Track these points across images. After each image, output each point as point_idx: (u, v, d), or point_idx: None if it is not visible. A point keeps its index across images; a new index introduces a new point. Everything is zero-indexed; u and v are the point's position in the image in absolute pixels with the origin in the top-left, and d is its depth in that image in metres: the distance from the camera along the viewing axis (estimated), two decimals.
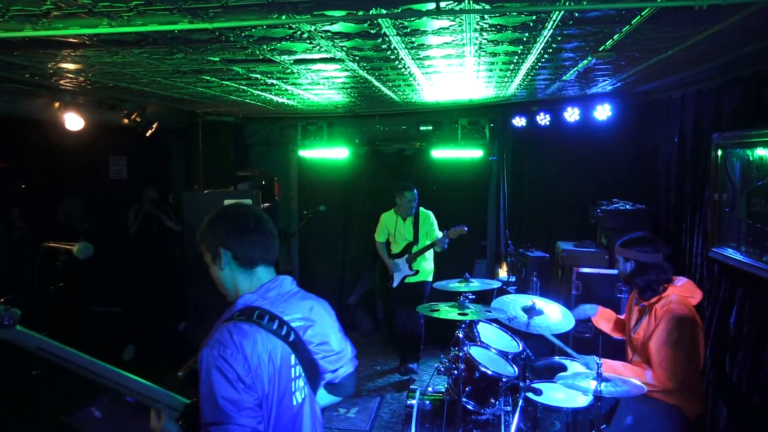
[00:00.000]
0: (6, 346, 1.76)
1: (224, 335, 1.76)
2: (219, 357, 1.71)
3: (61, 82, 4.18)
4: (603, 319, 3.85)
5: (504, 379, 3.63)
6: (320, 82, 4.34)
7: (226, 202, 6.02)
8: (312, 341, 1.96)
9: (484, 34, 2.83)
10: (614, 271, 5.14)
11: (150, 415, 1.87)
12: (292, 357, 1.88)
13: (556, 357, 4.04)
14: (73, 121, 4.99)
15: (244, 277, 1.95)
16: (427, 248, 6.05)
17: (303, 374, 1.92)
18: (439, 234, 6.02)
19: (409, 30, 2.71)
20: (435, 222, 6.17)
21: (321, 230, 7.51)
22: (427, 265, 6.21)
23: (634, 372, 3.23)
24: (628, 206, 5.40)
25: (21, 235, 6.99)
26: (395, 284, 6.19)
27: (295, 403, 1.89)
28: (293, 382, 1.89)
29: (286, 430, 1.87)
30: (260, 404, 1.78)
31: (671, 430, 3.23)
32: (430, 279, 6.18)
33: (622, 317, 3.79)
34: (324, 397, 2.16)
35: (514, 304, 4.12)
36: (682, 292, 3.32)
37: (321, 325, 2.01)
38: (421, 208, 6.14)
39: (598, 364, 3.11)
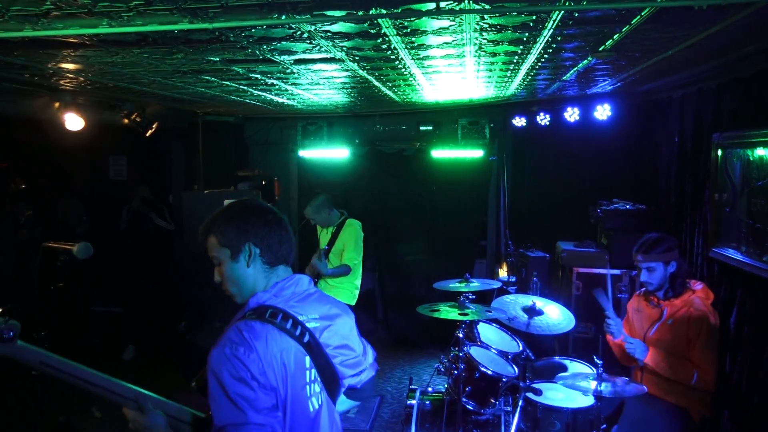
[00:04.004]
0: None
1: (235, 334, 1.66)
2: (232, 356, 1.61)
3: (61, 82, 4.18)
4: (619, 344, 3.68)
5: (504, 379, 3.63)
6: (320, 82, 4.34)
7: (226, 202, 6.05)
8: (329, 344, 1.84)
9: (484, 34, 2.83)
10: (615, 271, 5.15)
11: (126, 411, 1.71)
12: (307, 359, 1.75)
13: (556, 357, 4.04)
14: (73, 121, 4.99)
15: (264, 276, 1.82)
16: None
17: (318, 379, 1.78)
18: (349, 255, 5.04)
19: (409, 30, 2.70)
20: (354, 236, 5.09)
21: None
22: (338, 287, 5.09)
23: (679, 371, 3.23)
24: (628, 206, 5.40)
25: (28, 235, 6.99)
26: None
27: (311, 409, 1.75)
28: (308, 387, 1.75)
29: None
30: (277, 406, 1.65)
31: None
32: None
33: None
34: (342, 402, 2.02)
35: (514, 304, 4.13)
36: (703, 295, 3.34)
37: (340, 327, 1.89)
38: (350, 219, 5.24)
39: (599, 363, 3.11)
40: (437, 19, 2.49)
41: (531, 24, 2.63)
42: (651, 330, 3.39)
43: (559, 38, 2.96)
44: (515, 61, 3.61)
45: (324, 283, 5.13)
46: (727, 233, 3.87)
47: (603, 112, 5.80)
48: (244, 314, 1.75)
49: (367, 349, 2.07)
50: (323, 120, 7.25)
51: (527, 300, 4.13)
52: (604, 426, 3.36)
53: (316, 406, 1.77)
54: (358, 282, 5.20)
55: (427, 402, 3.92)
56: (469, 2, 2.23)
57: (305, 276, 1.90)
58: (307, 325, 1.77)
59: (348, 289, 5.13)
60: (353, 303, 5.11)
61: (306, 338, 1.75)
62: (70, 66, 3.53)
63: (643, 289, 3.52)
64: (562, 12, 2.42)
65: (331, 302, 1.93)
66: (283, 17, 2.36)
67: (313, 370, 1.77)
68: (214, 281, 1.86)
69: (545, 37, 2.91)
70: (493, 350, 3.97)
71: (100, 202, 7.70)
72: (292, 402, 1.69)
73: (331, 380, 1.83)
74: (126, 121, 5.53)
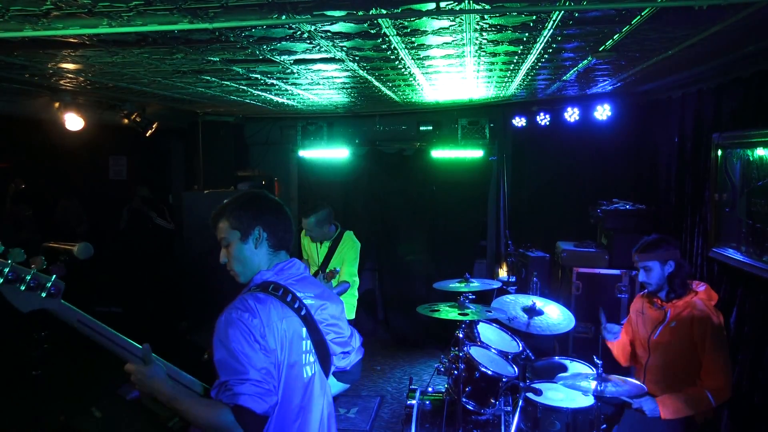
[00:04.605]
0: (5, 345, 1.76)
1: (241, 302, 1.85)
2: (237, 319, 1.79)
3: (61, 82, 4.18)
4: (619, 346, 3.69)
5: (504, 379, 3.63)
6: (320, 82, 4.34)
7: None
8: (322, 320, 2.06)
9: (484, 34, 2.83)
10: (615, 271, 5.15)
11: (128, 366, 1.85)
12: (303, 330, 1.95)
13: (556, 357, 4.04)
14: (73, 121, 4.99)
15: (267, 258, 2.03)
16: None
17: (313, 350, 1.99)
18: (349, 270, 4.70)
19: (409, 30, 2.70)
20: (354, 252, 4.80)
21: None
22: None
23: (697, 404, 3.14)
24: (628, 206, 5.40)
25: (29, 236, 6.98)
26: None
27: (305, 375, 1.95)
28: (304, 355, 1.95)
29: (295, 401, 1.91)
30: (275, 368, 1.83)
31: None
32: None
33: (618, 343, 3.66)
34: (334, 386, 2.22)
35: (514, 304, 4.13)
36: (705, 296, 3.31)
37: (331, 308, 2.12)
38: (347, 232, 4.87)
39: (599, 363, 3.11)
40: (437, 19, 2.49)
41: (531, 24, 2.63)
42: (655, 333, 3.37)
43: (559, 38, 2.96)
44: (515, 61, 3.61)
45: None
46: (727, 233, 3.87)
47: (603, 112, 5.80)
48: (249, 289, 1.96)
49: (354, 333, 2.29)
50: (323, 120, 7.25)
51: (527, 300, 4.14)
52: (605, 426, 3.35)
53: (310, 374, 1.98)
54: (357, 293, 4.90)
55: (427, 402, 3.92)
56: (469, 2, 2.23)
57: (300, 261, 2.12)
58: (304, 301, 2.00)
59: (349, 303, 4.74)
60: (353, 316, 4.79)
61: (303, 312, 1.97)
62: (70, 66, 3.53)
63: (645, 290, 3.51)
64: (562, 12, 2.42)
65: (322, 287, 2.16)
66: (283, 17, 2.36)
67: (309, 341, 1.98)
68: (221, 262, 2.06)
69: (545, 37, 2.91)
70: (493, 350, 3.97)
71: (100, 202, 7.70)
72: (289, 366, 1.88)
73: (323, 354, 2.05)
74: (126, 121, 5.53)
